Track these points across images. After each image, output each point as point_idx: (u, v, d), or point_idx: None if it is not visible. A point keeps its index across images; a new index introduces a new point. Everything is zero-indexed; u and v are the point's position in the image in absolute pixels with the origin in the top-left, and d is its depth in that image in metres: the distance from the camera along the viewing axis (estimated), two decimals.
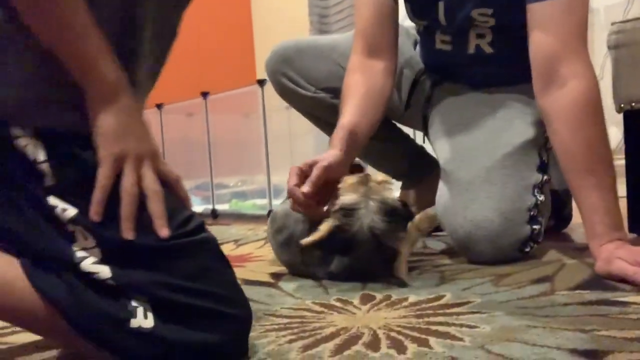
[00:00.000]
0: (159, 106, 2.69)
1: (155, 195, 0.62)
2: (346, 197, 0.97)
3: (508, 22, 1.12)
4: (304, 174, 1.00)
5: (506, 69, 1.19)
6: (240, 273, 1.13)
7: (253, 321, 0.77)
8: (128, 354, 0.59)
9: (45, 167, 0.60)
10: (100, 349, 0.60)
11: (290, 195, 0.99)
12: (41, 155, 0.60)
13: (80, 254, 0.60)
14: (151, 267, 0.60)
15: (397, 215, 0.97)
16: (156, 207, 0.61)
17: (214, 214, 2.41)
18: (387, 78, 1.18)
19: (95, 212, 0.60)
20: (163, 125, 2.71)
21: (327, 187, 1.00)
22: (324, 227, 0.95)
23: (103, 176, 0.60)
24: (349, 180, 1.00)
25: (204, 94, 2.45)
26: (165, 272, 0.60)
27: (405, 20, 1.31)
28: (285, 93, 1.40)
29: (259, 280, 1.06)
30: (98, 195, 0.60)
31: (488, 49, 1.18)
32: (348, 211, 0.95)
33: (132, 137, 0.62)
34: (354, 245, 0.96)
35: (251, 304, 0.88)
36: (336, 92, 1.27)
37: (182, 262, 0.61)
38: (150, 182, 0.62)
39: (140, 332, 0.58)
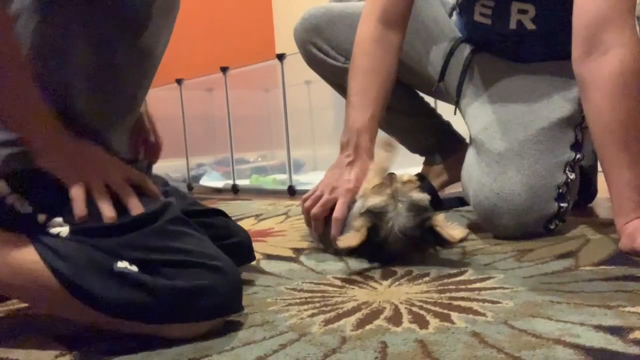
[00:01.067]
0: (179, 81, 2.69)
1: (124, 190, 0.67)
2: (374, 199, 0.93)
3: None
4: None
5: (548, 46, 1.15)
6: (261, 247, 1.14)
7: (275, 295, 0.78)
8: (115, 303, 0.61)
9: None
10: (86, 304, 0.61)
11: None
12: None
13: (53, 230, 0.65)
14: (124, 236, 0.64)
15: (426, 212, 0.93)
16: (128, 197, 0.67)
17: (235, 189, 2.43)
18: (397, 54, 1.15)
19: (79, 209, 0.65)
20: (183, 100, 2.72)
21: None
22: (361, 231, 0.91)
23: (74, 193, 0.65)
24: (373, 180, 0.98)
25: (224, 69, 2.44)
26: (139, 238, 0.64)
27: None
28: (315, 63, 1.39)
29: (280, 255, 1.07)
30: (78, 203, 0.65)
31: (530, 25, 1.13)
32: (376, 214, 0.92)
33: (87, 170, 0.67)
34: (387, 246, 0.93)
35: (272, 278, 0.89)
36: None
37: (154, 232, 0.65)
38: (118, 187, 0.67)
39: (126, 273, 0.61)
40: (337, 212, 0.99)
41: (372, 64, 1.13)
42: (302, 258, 1.03)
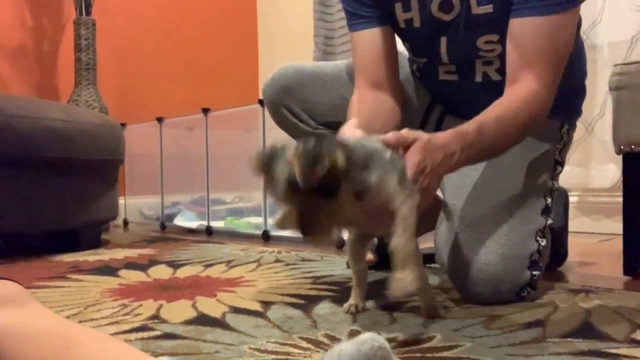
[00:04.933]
0: (160, 120, 2.68)
1: None
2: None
3: None
4: None
5: None
6: (229, 299, 1.12)
7: (237, 356, 0.76)
8: None
9: None
10: None
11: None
12: None
13: None
14: None
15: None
16: None
17: (209, 231, 2.40)
18: (396, 107, 1.16)
19: None
20: (163, 138, 2.71)
21: None
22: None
23: None
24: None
25: (205, 110, 2.45)
26: None
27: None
28: (285, 125, 1.36)
29: (247, 308, 1.05)
30: None
31: (496, 76, 1.17)
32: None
33: None
34: None
35: (237, 335, 0.87)
36: (337, 127, 1.26)
37: None
38: None
39: None
40: None
41: (361, 109, 1.13)
42: (269, 313, 1.01)
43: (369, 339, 0.55)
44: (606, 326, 0.88)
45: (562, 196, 1.41)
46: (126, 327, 0.94)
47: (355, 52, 1.20)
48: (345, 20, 1.25)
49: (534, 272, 1.05)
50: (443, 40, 1.14)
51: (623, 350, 0.77)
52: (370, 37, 1.16)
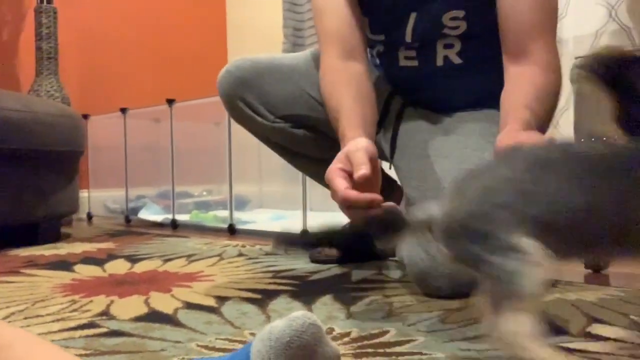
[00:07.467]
0: (123, 110, 2.62)
1: None
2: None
3: (478, 27, 1.11)
4: (346, 174, 0.89)
5: (474, 80, 1.17)
6: (183, 294, 1.09)
7: (183, 354, 0.74)
8: None
9: None
10: None
11: (346, 199, 0.86)
12: None
13: None
14: None
15: None
16: None
17: (174, 225, 2.35)
18: (369, 81, 1.12)
19: None
20: (128, 130, 2.65)
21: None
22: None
23: None
24: None
25: (170, 101, 2.40)
26: None
27: None
28: (242, 119, 1.33)
29: (201, 304, 1.02)
30: None
31: (457, 60, 1.15)
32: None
33: None
34: None
35: (186, 332, 0.84)
36: (295, 120, 1.23)
37: None
38: None
39: None
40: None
41: (338, 84, 1.08)
42: (224, 309, 0.98)
43: (300, 315, 0.55)
44: (562, 319, 0.87)
45: None
46: (72, 324, 0.90)
47: (323, 19, 1.14)
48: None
49: None
50: (412, 16, 1.12)
51: (577, 344, 0.76)
52: (338, 2, 1.12)
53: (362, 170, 0.86)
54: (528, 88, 0.98)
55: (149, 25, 3.15)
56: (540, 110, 0.96)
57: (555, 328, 0.83)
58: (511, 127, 0.91)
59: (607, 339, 0.78)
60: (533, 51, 1.01)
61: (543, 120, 0.98)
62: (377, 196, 0.85)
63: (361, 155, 0.89)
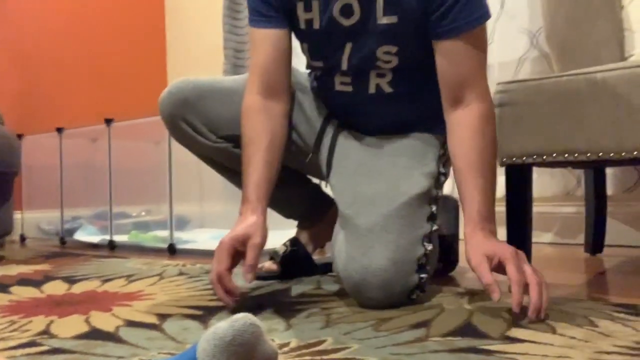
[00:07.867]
0: (59, 130, 2.58)
1: None
2: None
3: (409, 62, 1.19)
4: (235, 252, 1.09)
5: (403, 107, 1.26)
6: (123, 313, 1.10)
7: None
8: None
9: None
10: None
11: (211, 282, 1.08)
12: None
13: None
14: None
15: None
16: None
17: (112, 246, 2.33)
18: (285, 121, 1.23)
19: None
20: (64, 150, 2.60)
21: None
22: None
23: None
24: None
25: (108, 121, 2.39)
26: None
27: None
28: (184, 139, 1.36)
29: (142, 321, 1.04)
30: None
31: (387, 88, 1.23)
32: None
33: None
34: None
35: (128, 348, 0.86)
36: (237, 140, 1.27)
37: None
38: None
39: None
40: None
41: (254, 132, 1.20)
42: (166, 325, 1.01)
43: (242, 317, 0.62)
44: (485, 325, 0.95)
45: (453, 205, 1.49)
46: (13, 343, 0.90)
47: (252, 51, 1.23)
48: None
49: (422, 275, 1.12)
50: (348, 46, 1.19)
51: (497, 347, 0.83)
52: (273, 36, 1.20)
53: (249, 277, 1.07)
54: (471, 134, 1.11)
55: (86, 43, 3.13)
56: (487, 160, 1.10)
57: (478, 333, 0.90)
58: (476, 234, 1.05)
59: (524, 341, 0.85)
60: (470, 99, 1.12)
61: (492, 174, 1.10)
62: (232, 296, 1.09)
63: (253, 256, 1.07)
